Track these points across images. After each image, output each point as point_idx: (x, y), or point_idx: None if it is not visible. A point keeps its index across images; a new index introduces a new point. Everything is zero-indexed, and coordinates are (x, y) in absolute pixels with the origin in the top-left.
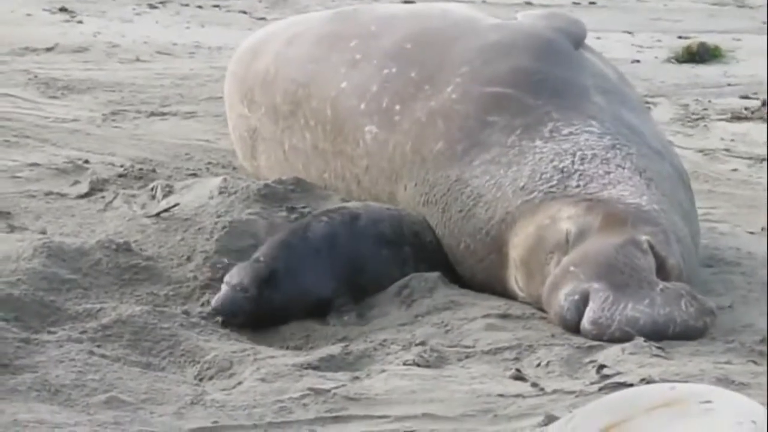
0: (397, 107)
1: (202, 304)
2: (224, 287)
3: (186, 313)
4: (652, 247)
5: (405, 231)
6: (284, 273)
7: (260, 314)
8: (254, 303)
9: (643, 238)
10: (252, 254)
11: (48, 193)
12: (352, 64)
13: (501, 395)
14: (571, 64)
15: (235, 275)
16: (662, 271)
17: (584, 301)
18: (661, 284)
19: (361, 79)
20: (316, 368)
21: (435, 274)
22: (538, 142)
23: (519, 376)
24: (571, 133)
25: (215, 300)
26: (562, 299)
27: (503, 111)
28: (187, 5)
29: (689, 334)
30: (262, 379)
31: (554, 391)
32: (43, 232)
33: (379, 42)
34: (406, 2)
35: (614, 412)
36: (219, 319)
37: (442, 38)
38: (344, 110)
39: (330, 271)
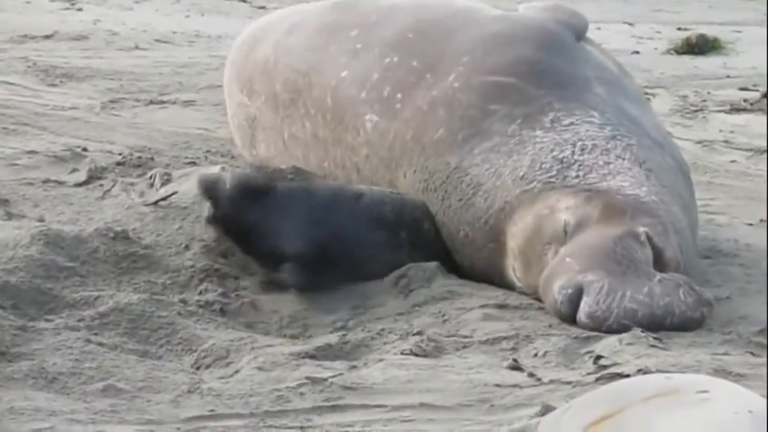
0: (399, 96)
1: (200, 293)
2: (217, 175)
3: (183, 301)
4: (650, 238)
5: (405, 216)
6: (270, 200)
7: (228, 218)
8: (228, 202)
9: (641, 229)
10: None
11: (46, 181)
12: (353, 54)
13: (498, 385)
14: (572, 55)
15: (231, 172)
16: (660, 262)
17: (578, 294)
18: (659, 275)
19: (362, 68)
20: (313, 357)
21: (433, 264)
22: (539, 132)
23: (516, 366)
24: (571, 124)
25: (204, 175)
26: (557, 292)
27: (505, 100)
28: None
29: (687, 324)
30: (259, 368)
31: (551, 382)
32: (41, 220)
33: (380, 31)
34: None
35: (610, 402)
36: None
37: (444, 28)
38: (345, 99)
39: (308, 232)
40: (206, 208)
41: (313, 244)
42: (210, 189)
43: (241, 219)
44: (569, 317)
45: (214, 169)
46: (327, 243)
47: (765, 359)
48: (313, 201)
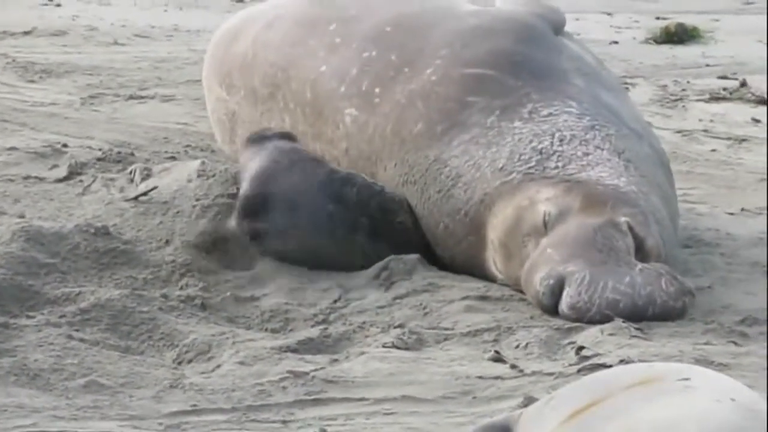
0: (377, 90)
1: (181, 288)
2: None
3: (165, 296)
4: (631, 228)
5: (372, 203)
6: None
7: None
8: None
9: (622, 219)
10: None
11: (26, 177)
12: (332, 48)
13: (480, 377)
14: (550, 47)
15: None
16: (641, 252)
17: (559, 285)
18: (640, 265)
19: (341, 62)
20: (295, 351)
21: (414, 257)
22: (517, 123)
23: (498, 358)
24: (550, 114)
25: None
26: (538, 284)
27: (483, 92)
28: None
29: (669, 314)
30: (241, 363)
31: (533, 373)
32: (22, 216)
33: (358, 25)
34: None
35: (593, 392)
36: None
37: (422, 22)
38: (324, 93)
39: (259, 180)
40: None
41: (258, 186)
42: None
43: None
44: (551, 308)
45: (194, 164)
46: (272, 197)
47: (747, 348)
48: (281, 156)
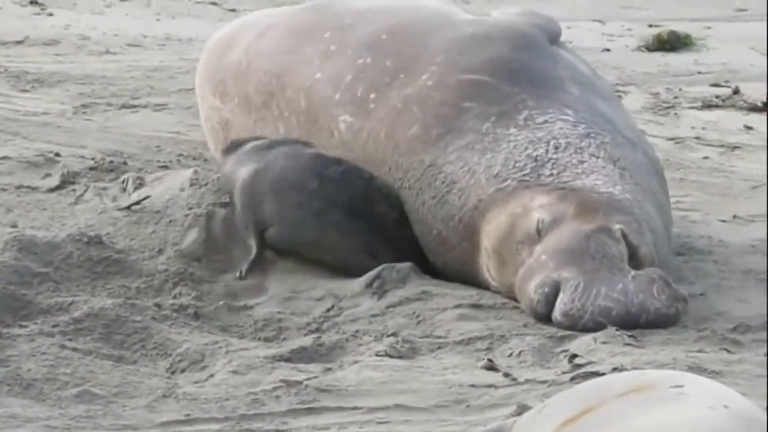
0: (372, 96)
1: (174, 297)
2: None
3: (158, 305)
4: (625, 236)
5: (356, 185)
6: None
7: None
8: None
9: (616, 226)
10: None
11: (19, 187)
12: (327, 55)
13: (473, 385)
14: (546, 56)
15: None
16: (635, 260)
17: (554, 292)
18: (633, 272)
19: (336, 69)
20: (288, 360)
21: (407, 265)
22: (513, 130)
23: (491, 366)
24: (545, 122)
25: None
26: (532, 291)
27: (479, 98)
28: None
29: (662, 321)
30: (235, 372)
31: (526, 381)
32: (14, 226)
33: (354, 33)
34: None
35: (586, 400)
36: None
37: (418, 30)
38: (318, 100)
39: (249, 167)
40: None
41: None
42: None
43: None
44: (546, 316)
45: (186, 173)
46: (256, 173)
47: (740, 356)
48: (269, 144)
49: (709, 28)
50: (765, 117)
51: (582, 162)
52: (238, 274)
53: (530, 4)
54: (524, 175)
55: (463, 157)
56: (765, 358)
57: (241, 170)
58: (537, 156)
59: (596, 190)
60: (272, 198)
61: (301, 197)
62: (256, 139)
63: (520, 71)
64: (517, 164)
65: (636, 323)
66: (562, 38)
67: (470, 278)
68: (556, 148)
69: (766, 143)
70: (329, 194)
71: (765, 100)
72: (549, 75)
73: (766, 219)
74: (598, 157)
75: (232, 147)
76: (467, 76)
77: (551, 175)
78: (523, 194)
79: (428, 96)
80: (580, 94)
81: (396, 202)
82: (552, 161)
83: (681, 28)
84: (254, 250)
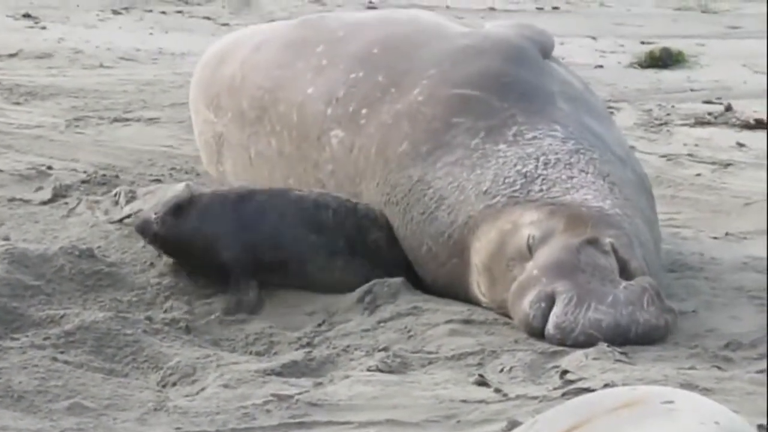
0: (364, 111)
1: (165, 311)
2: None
3: (149, 319)
4: (615, 250)
5: (347, 223)
6: (200, 210)
7: (165, 238)
8: (160, 225)
9: (607, 240)
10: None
11: (11, 200)
12: (319, 70)
13: (464, 401)
14: (538, 70)
15: (158, 197)
16: (626, 273)
17: (550, 306)
18: (624, 283)
19: (328, 84)
20: (279, 374)
21: (398, 280)
22: (502, 146)
23: (482, 382)
24: (535, 138)
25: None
26: (527, 307)
27: (468, 113)
28: (150, 11)
29: (652, 333)
30: (225, 385)
31: (517, 397)
32: (6, 239)
33: (346, 47)
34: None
35: (576, 415)
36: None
37: (410, 43)
38: (310, 115)
39: (240, 238)
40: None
41: (245, 249)
42: (137, 226)
43: (172, 234)
44: (540, 331)
45: (179, 187)
46: (259, 247)
47: (731, 373)
48: (246, 206)
49: (702, 45)
50: (757, 134)
51: (571, 177)
52: (231, 311)
53: (523, 20)
54: (514, 191)
55: (452, 173)
56: (756, 375)
57: (221, 230)
58: (526, 172)
59: (586, 204)
60: (270, 253)
61: (302, 252)
62: (213, 193)
63: (511, 86)
64: (506, 180)
65: (626, 334)
66: (556, 54)
67: (460, 294)
68: (546, 164)
69: (766, 161)
70: (329, 245)
71: (757, 117)
72: (539, 90)
73: (766, 236)
74: (587, 173)
75: (190, 205)
76: (457, 90)
77: (541, 191)
78: (512, 211)
79: (418, 111)
80: (570, 109)
81: (383, 222)
82: (541, 177)
83: (674, 44)
84: (252, 296)
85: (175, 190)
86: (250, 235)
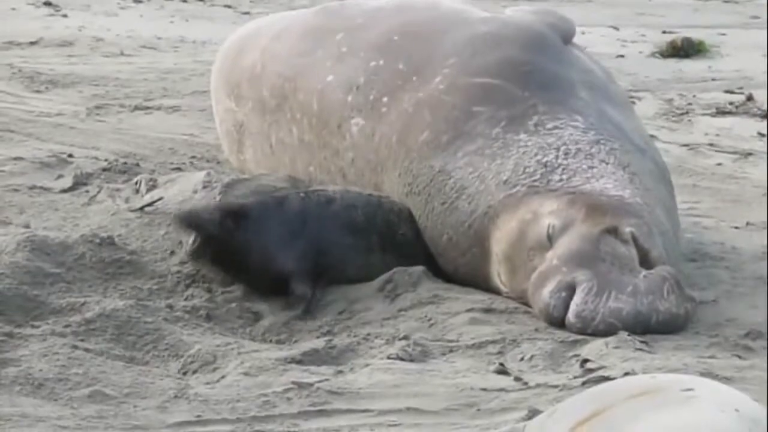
0: (385, 99)
1: (186, 298)
2: (192, 204)
3: (170, 307)
4: (635, 239)
5: (377, 219)
6: (252, 220)
7: (218, 243)
8: (215, 227)
9: (627, 229)
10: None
11: (32, 187)
12: (339, 58)
13: (484, 389)
14: (559, 58)
15: (206, 199)
16: (646, 263)
17: (570, 296)
18: (644, 272)
19: (348, 71)
20: (299, 362)
21: (419, 269)
22: (523, 135)
23: (502, 371)
24: (555, 127)
25: (179, 209)
26: (548, 296)
27: (489, 102)
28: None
29: (672, 322)
30: (246, 373)
31: (538, 385)
32: (27, 226)
33: (365, 34)
34: None
35: (596, 403)
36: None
37: (430, 30)
38: (331, 103)
39: (293, 247)
40: (188, 242)
41: (302, 257)
42: (191, 220)
43: (229, 242)
44: (561, 321)
45: (199, 175)
46: (311, 253)
47: (751, 362)
48: (287, 213)
49: (724, 34)
50: None
51: (592, 167)
52: (299, 312)
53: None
54: (534, 180)
55: (472, 163)
56: None
57: (274, 240)
58: (547, 162)
59: (606, 193)
60: (319, 259)
61: (343, 254)
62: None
63: (531, 74)
64: (526, 170)
65: (646, 323)
66: (577, 43)
67: (481, 283)
68: (566, 153)
69: (766, 151)
70: (363, 244)
71: None
72: (560, 78)
73: (766, 226)
74: (607, 163)
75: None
76: (478, 79)
77: (561, 180)
78: (532, 200)
79: (439, 100)
80: (590, 99)
81: (407, 214)
82: (562, 167)
83: (695, 34)
84: (310, 293)
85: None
86: (300, 243)
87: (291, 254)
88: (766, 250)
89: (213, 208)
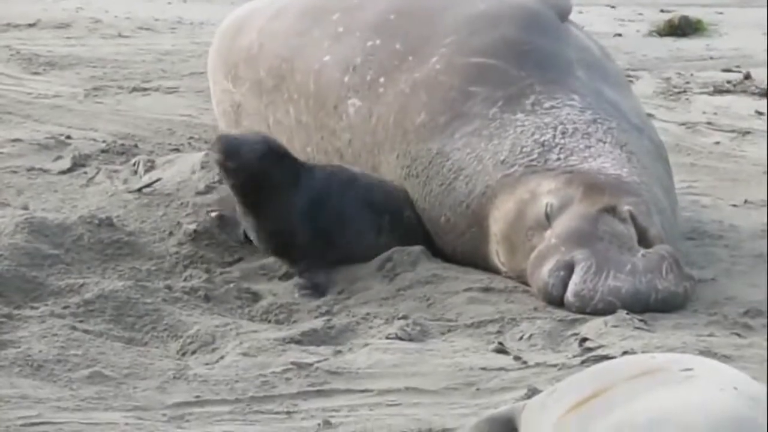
0: (381, 79)
1: (185, 279)
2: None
3: (168, 287)
4: (633, 217)
5: (390, 202)
6: (289, 168)
7: (252, 175)
8: (257, 157)
9: (625, 207)
10: None
11: (30, 169)
12: (336, 37)
13: (484, 369)
14: (556, 36)
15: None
16: (644, 241)
17: (569, 275)
18: (642, 251)
19: (345, 51)
20: (298, 342)
21: (418, 248)
22: (520, 115)
23: (501, 350)
24: (552, 107)
25: (224, 136)
26: (546, 275)
27: (486, 82)
28: None
29: (671, 300)
30: (245, 354)
31: (537, 365)
32: (26, 208)
33: (362, 14)
34: None
35: (595, 382)
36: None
37: (426, 9)
38: (327, 83)
39: (314, 221)
40: (221, 156)
41: (318, 231)
42: (233, 147)
43: (263, 177)
44: (559, 300)
45: (197, 156)
46: (328, 228)
47: (750, 340)
48: (312, 184)
49: (721, 13)
50: None
51: (589, 147)
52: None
53: None
54: (531, 160)
55: (470, 144)
56: None
57: (293, 209)
58: (544, 141)
59: (603, 172)
60: (339, 234)
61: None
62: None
63: (528, 54)
64: (524, 150)
65: (645, 302)
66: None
67: (480, 263)
68: (563, 133)
69: (766, 130)
70: (377, 223)
71: None
72: (557, 58)
73: (766, 204)
74: (605, 142)
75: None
76: (474, 59)
77: (558, 159)
78: (530, 179)
79: (436, 80)
80: (587, 78)
81: (408, 198)
82: (559, 146)
83: (692, 13)
84: (324, 278)
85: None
86: (320, 217)
87: (308, 230)
88: (765, 227)
89: (258, 140)
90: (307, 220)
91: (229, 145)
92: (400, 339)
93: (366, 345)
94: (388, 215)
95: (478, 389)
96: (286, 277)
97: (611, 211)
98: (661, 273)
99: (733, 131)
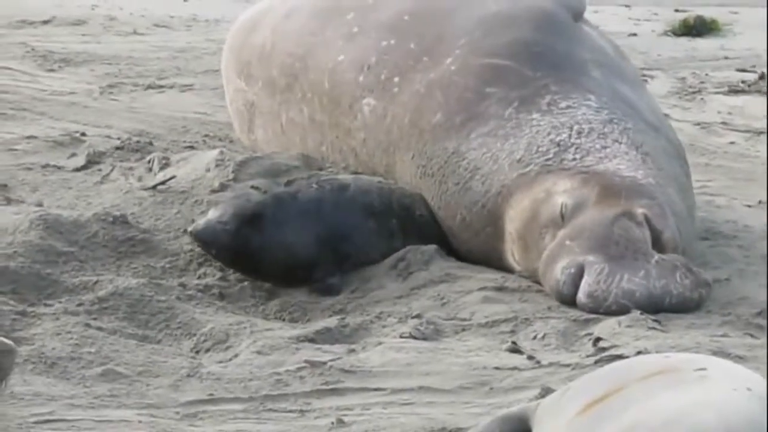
0: (396, 79)
1: (199, 277)
2: (207, 215)
3: (182, 285)
4: (648, 220)
5: (393, 204)
6: (269, 219)
7: (236, 251)
8: (231, 237)
9: (639, 210)
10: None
11: (45, 166)
12: (350, 37)
13: (497, 368)
14: (570, 36)
15: (220, 207)
16: (658, 244)
17: (580, 274)
18: (657, 256)
19: (359, 51)
20: (312, 341)
21: (431, 247)
22: (536, 115)
23: (515, 349)
24: (568, 107)
25: (195, 225)
26: (558, 273)
27: (501, 82)
28: None
29: (685, 305)
30: (258, 352)
31: (550, 364)
32: (40, 205)
33: (376, 14)
34: None
35: (609, 382)
36: (196, 245)
37: (441, 9)
38: (342, 83)
39: (313, 236)
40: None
41: (322, 245)
42: (207, 236)
43: (246, 245)
44: (570, 298)
45: (212, 154)
46: (333, 242)
47: (763, 341)
48: (304, 202)
49: (736, 13)
50: None
51: (605, 147)
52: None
53: None
54: (547, 160)
55: (486, 144)
56: None
57: (293, 232)
58: (560, 141)
59: (619, 174)
60: (342, 245)
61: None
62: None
63: (543, 54)
64: (539, 149)
65: (659, 306)
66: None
67: (494, 262)
68: (579, 133)
69: (766, 130)
70: (384, 228)
71: None
72: (572, 57)
73: (766, 205)
74: (620, 143)
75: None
76: (489, 60)
77: (574, 159)
78: (545, 179)
79: (451, 81)
80: (602, 78)
81: (419, 197)
82: (575, 146)
83: (708, 13)
84: (337, 281)
85: (234, 196)
86: (319, 233)
87: (312, 246)
88: (766, 228)
89: (228, 217)
90: (310, 248)
91: (201, 235)
92: (414, 338)
93: (379, 344)
94: (395, 218)
95: (491, 388)
96: None
97: (626, 214)
98: (675, 278)
99: (747, 131)
